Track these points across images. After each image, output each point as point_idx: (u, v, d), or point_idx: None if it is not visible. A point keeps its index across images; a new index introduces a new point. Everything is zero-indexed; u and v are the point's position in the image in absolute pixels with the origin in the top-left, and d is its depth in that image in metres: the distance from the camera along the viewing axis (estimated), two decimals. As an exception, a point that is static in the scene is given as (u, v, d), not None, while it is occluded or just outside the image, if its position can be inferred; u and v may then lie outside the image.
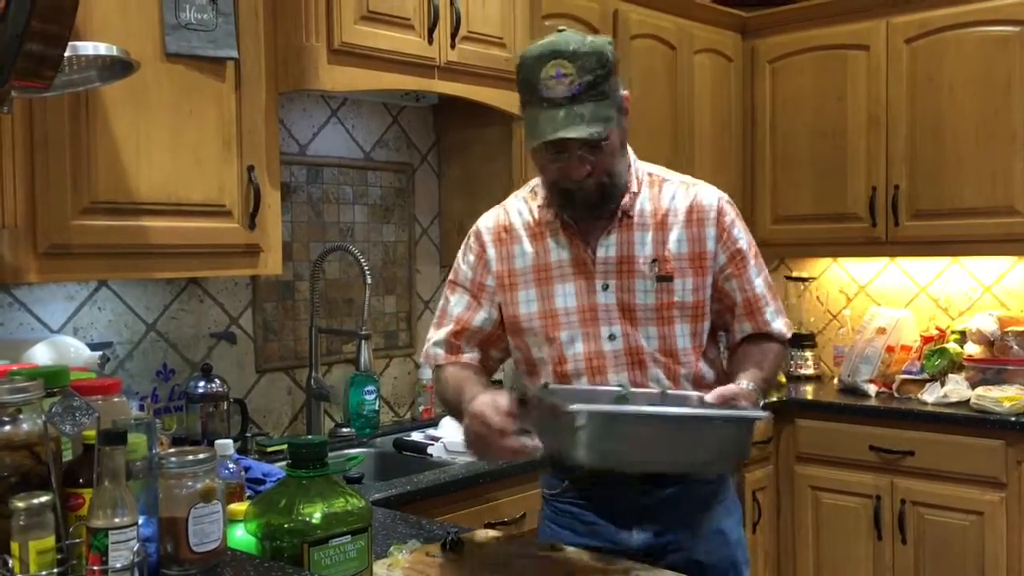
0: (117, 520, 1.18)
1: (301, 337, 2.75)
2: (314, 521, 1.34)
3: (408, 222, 3.05)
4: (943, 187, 3.29)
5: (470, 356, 1.85)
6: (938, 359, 3.30)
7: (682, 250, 1.75)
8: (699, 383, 1.77)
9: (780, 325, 1.83)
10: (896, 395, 3.30)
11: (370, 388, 2.77)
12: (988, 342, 3.30)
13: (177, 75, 2.05)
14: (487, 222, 1.89)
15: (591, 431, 1.41)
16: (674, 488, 1.76)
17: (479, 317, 1.83)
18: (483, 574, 1.53)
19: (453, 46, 2.53)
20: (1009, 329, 3.27)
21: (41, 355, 1.94)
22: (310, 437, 1.75)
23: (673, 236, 1.76)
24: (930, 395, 3.19)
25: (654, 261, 1.74)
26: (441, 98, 2.81)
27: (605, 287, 1.75)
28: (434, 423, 2.87)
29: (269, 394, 2.69)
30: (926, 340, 3.45)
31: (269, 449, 2.47)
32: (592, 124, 1.62)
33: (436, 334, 1.87)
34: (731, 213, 1.80)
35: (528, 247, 1.81)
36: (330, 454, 1.45)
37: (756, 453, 3.28)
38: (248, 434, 2.52)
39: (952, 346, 3.33)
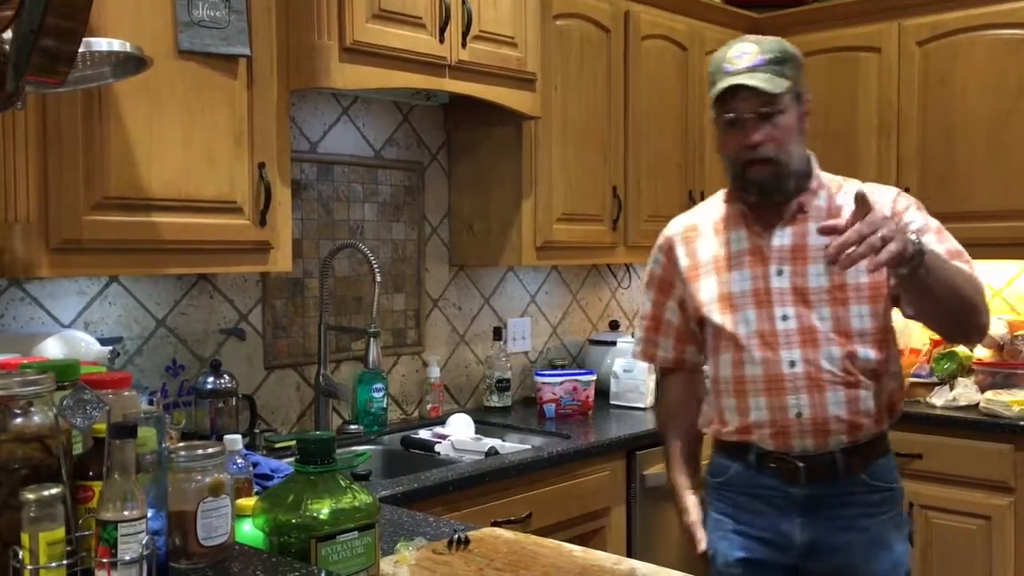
0: (126, 513, 1.19)
1: (310, 334, 2.76)
2: (322, 517, 1.34)
3: (418, 220, 3.05)
4: (954, 190, 3.28)
5: (664, 356, 2.08)
6: (947, 363, 3.29)
7: None
8: (878, 367, 1.87)
9: (963, 267, 1.81)
10: (905, 398, 3.29)
11: (378, 386, 2.78)
12: (998, 346, 3.29)
13: (189, 72, 2.06)
14: (676, 226, 2.06)
15: None
16: (845, 488, 1.87)
17: (668, 309, 2.04)
18: (489, 573, 1.53)
19: (464, 45, 2.53)
20: (1019, 333, 3.26)
21: (52, 349, 1.95)
22: (319, 433, 1.76)
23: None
24: (939, 398, 3.18)
25: (826, 247, 1.77)
26: (452, 97, 2.82)
27: (780, 272, 1.88)
28: (442, 421, 2.88)
29: (278, 390, 2.70)
30: (935, 343, 3.43)
31: (277, 445, 2.48)
32: (765, 82, 1.78)
33: (637, 333, 2.14)
34: (905, 202, 1.90)
35: (710, 241, 1.98)
36: (338, 451, 1.45)
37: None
38: (256, 430, 2.53)
39: (961, 350, 3.32)
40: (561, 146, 2.99)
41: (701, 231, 2.00)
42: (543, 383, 3.07)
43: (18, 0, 1.26)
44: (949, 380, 3.25)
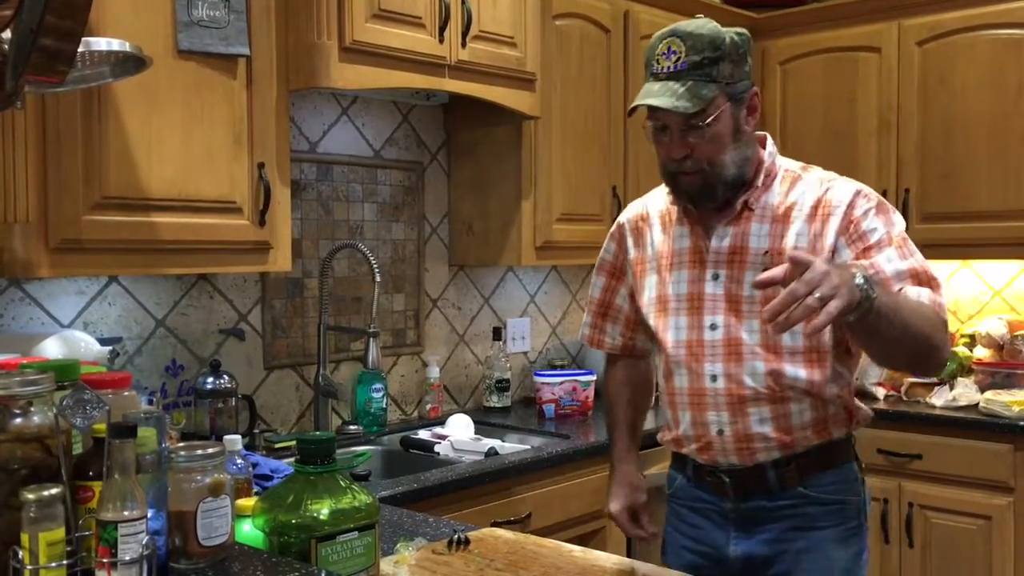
0: (126, 513, 1.18)
1: (310, 334, 2.75)
2: (322, 517, 1.34)
3: (417, 220, 3.05)
4: (954, 190, 3.28)
5: (611, 343, 2.00)
6: (947, 362, 3.29)
7: (800, 244, 1.69)
8: (810, 387, 1.70)
9: (921, 295, 1.59)
10: (904, 398, 3.29)
11: (378, 386, 2.78)
12: (997, 346, 3.29)
13: (189, 72, 2.06)
14: (628, 213, 1.95)
15: None
16: (780, 501, 1.75)
17: (619, 296, 1.96)
18: (489, 573, 1.53)
19: (464, 45, 2.53)
20: (1018, 333, 3.26)
21: (51, 349, 1.95)
22: (318, 433, 1.76)
23: (793, 230, 1.71)
24: (939, 398, 3.18)
25: (766, 253, 1.70)
26: (451, 97, 2.81)
27: (715, 276, 1.75)
28: (441, 421, 2.88)
29: (277, 391, 2.69)
30: (935, 344, 3.43)
31: (277, 445, 2.48)
32: (682, 99, 1.63)
33: (585, 317, 2.05)
34: (865, 205, 1.69)
35: (657, 235, 1.86)
36: (337, 451, 1.45)
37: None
38: (256, 430, 2.52)
39: (961, 350, 3.32)
40: (561, 146, 2.99)
41: (651, 222, 1.88)
42: (542, 383, 3.07)
43: (16, 0, 1.26)
44: (949, 380, 3.25)
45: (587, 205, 3.09)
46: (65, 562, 1.19)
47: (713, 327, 1.74)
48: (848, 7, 3.51)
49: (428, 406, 3.01)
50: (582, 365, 3.50)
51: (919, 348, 1.56)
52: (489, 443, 2.62)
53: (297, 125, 2.70)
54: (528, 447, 2.66)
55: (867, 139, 3.46)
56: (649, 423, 2.78)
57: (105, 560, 1.18)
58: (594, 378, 3.12)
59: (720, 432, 1.74)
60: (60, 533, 1.18)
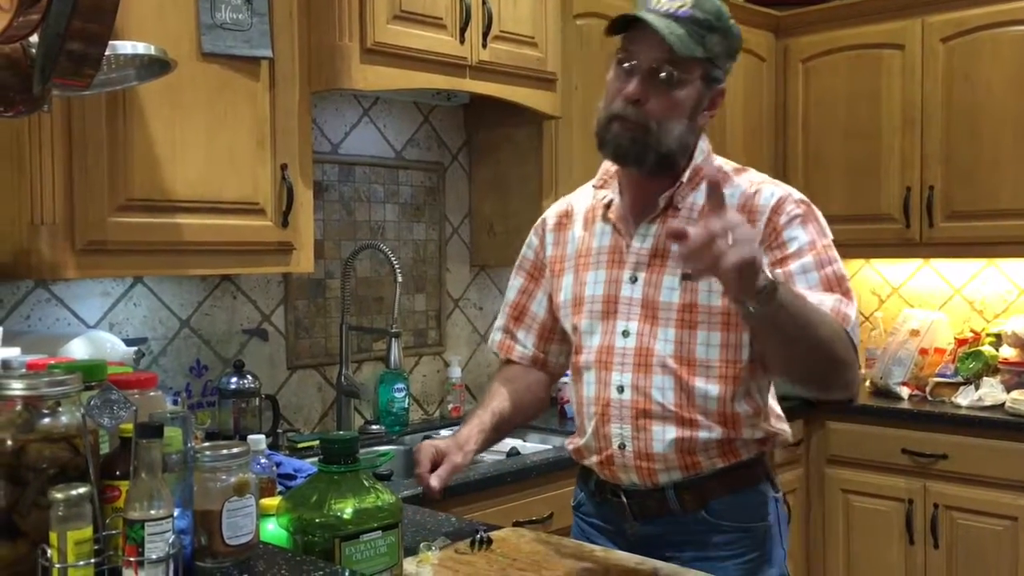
0: (153, 512, 1.19)
1: (332, 334, 2.77)
2: (345, 516, 1.35)
3: (439, 221, 3.06)
4: (979, 188, 3.25)
5: (521, 352, 1.84)
6: (972, 362, 3.26)
7: None
8: (722, 407, 1.60)
9: (828, 300, 1.52)
10: (929, 398, 3.26)
11: (400, 386, 2.78)
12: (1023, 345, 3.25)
13: (212, 74, 2.07)
14: (553, 209, 1.84)
15: None
16: (681, 526, 1.64)
17: (536, 301, 1.83)
18: (512, 573, 1.53)
19: (485, 46, 2.53)
20: (1045, 332, 3.22)
21: (77, 350, 1.96)
22: (342, 433, 1.77)
23: None
24: (964, 398, 3.15)
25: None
26: (472, 97, 2.82)
27: (633, 279, 1.64)
28: (463, 421, 2.88)
29: (300, 391, 2.71)
30: (960, 343, 3.40)
31: (300, 445, 2.49)
32: (676, 36, 1.49)
33: (498, 320, 1.90)
34: (791, 212, 1.58)
35: (579, 232, 1.74)
36: (360, 451, 1.45)
37: (786, 455, 3.25)
38: (279, 430, 2.54)
39: (987, 349, 3.29)
40: (582, 146, 2.99)
41: (574, 217, 1.76)
42: (563, 383, 3.06)
43: (44, 4, 1.27)
44: (974, 380, 3.22)
45: (608, 205, 3.08)
46: (92, 561, 1.20)
47: (625, 334, 1.63)
48: (871, 4, 3.48)
49: (450, 406, 3.01)
50: (603, 365, 3.49)
51: (821, 357, 1.48)
52: (511, 443, 2.62)
53: (319, 126, 2.72)
54: (549, 447, 2.66)
55: (891, 137, 3.43)
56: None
57: (132, 559, 1.19)
58: (616, 378, 3.12)
59: (622, 447, 1.63)
60: (88, 532, 1.19)
